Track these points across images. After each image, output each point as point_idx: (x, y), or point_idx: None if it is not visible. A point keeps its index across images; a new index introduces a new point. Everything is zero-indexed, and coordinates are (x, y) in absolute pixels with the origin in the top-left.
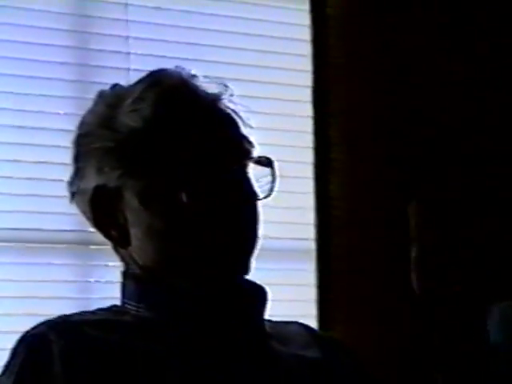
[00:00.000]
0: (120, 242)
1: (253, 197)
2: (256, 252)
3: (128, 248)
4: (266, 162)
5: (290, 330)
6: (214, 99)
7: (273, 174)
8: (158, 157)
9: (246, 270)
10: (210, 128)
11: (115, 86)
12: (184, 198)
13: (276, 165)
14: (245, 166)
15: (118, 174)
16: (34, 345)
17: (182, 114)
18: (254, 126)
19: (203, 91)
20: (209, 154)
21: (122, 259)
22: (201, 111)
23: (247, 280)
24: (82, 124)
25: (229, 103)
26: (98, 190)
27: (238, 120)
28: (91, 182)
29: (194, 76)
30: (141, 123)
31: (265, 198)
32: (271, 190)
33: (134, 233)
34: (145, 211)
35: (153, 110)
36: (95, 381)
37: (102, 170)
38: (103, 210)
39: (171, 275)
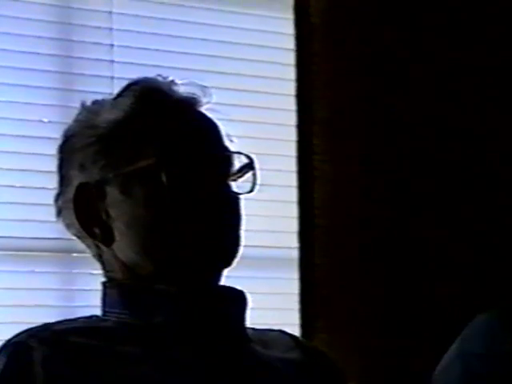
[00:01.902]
0: (103, 240)
1: (233, 193)
2: (238, 253)
3: (111, 246)
4: (246, 164)
5: (273, 335)
6: (193, 101)
7: (253, 171)
8: (137, 144)
9: (227, 265)
10: (188, 119)
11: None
12: (164, 178)
13: (256, 162)
14: (225, 165)
15: (100, 166)
16: (15, 353)
17: (161, 106)
18: (234, 133)
19: (181, 93)
20: (187, 144)
21: (103, 265)
22: (178, 105)
23: (227, 286)
24: (65, 132)
25: (207, 107)
26: (80, 187)
27: (216, 123)
28: (75, 184)
29: (173, 81)
30: (120, 114)
31: (247, 193)
32: (253, 186)
33: (117, 227)
34: (126, 202)
35: (132, 102)
36: None
37: (84, 167)
38: (86, 207)
39: (154, 273)
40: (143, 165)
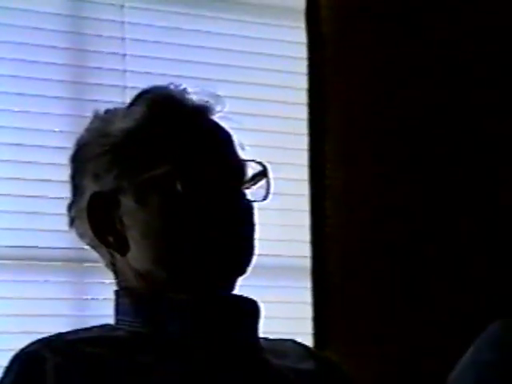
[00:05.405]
0: (118, 248)
1: (247, 201)
2: (252, 262)
3: (126, 255)
4: (259, 172)
5: (285, 345)
6: (206, 109)
7: (267, 178)
8: (151, 153)
9: (241, 274)
10: (202, 127)
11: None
12: (179, 187)
13: (269, 169)
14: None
15: (113, 175)
16: (28, 362)
17: (174, 114)
18: (246, 142)
19: (194, 101)
20: (201, 152)
21: (116, 274)
22: (191, 113)
23: (240, 295)
24: (77, 141)
25: (219, 116)
26: (94, 196)
27: (229, 131)
28: (88, 193)
29: (185, 90)
30: (133, 123)
31: (261, 200)
32: (267, 194)
33: (132, 236)
34: (141, 211)
35: (145, 110)
36: None
37: (98, 176)
38: (100, 216)
39: (167, 282)
40: (157, 173)
